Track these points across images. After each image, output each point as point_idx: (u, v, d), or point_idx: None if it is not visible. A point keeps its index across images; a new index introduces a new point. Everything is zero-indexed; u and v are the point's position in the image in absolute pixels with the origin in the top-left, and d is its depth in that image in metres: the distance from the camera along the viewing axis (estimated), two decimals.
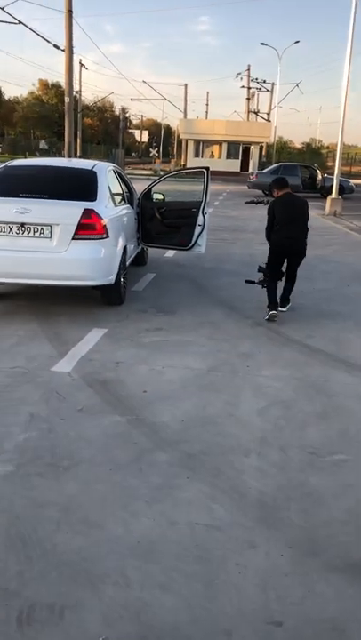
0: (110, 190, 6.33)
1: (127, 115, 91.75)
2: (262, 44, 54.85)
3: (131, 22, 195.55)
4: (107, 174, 6.44)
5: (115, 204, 6.39)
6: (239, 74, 55.75)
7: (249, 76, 57.99)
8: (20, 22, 24.39)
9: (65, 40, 24.93)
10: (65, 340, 5.20)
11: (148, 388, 4.21)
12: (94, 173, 6.19)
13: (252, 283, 6.61)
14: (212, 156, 46.82)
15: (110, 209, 6.07)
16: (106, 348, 5.05)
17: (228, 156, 45.19)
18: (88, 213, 5.57)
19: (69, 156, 25.76)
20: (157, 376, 4.45)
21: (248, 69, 58.12)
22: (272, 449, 3.41)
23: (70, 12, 24.21)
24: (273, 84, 57.08)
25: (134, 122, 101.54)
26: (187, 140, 48.06)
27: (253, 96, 60.23)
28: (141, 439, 3.46)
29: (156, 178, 7.96)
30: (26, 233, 5.53)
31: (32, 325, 5.57)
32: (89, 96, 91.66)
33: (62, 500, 2.81)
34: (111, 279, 5.93)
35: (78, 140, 46.81)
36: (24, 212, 5.47)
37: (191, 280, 8.02)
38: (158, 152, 58.44)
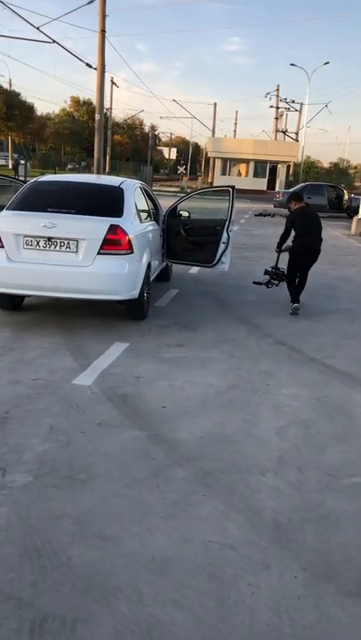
0: (136, 207, 6.42)
1: (156, 132, 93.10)
2: (292, 64, 55.09)
3: (162, 42, 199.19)
4: (133, 191, 6.53)
5: (140, 220, 6.48)
6: (268, 93, 56.24)
7: (278, 95, 58.36)
8: (54, 41, 24.99)
9: (97, 59, 25.47)
10: (87, 353, 5.26)
11: (167, 403, 4.22)
12: (121, 190, 6.29)
13: (259, 284, 7.90)
14: (239, 174, 47.02)
15: (136, 225, 6.15)
16: (127, 362, 5.09)
17: (256, 174, 45.32)
18: (114, 229, 5.65)
19: (98, 173, 26.16)
20: (177, 392, 4.46)
21: (277, 89, 58.52)
22: (289, 469, 3.39)
23: (103, 31, 24.76)
24: (302, 104, 57.33)
25: (163, 139, 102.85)
26: (214, 158, 48.40)
27: (282, 116, 60.56)
28: (159, 455, 3.47)
29: (183, 195, 8.05)
30: (52, 247, 5.64)
31: (56, 338, 5.64)
32: (119, 113, 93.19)
33: (78, 513, 2.83)
34: (135, 294, 5.99)
35: (107, 157, 47.52)
36: (51, 226, 5.58)
37: (214, 297, 8.04)
38: (186, 169, 58.88)
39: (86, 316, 6.47)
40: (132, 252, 5.81)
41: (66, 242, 5.63)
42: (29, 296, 6.37)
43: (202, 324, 6.51)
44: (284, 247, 7.85)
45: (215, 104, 60.86)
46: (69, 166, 65.21)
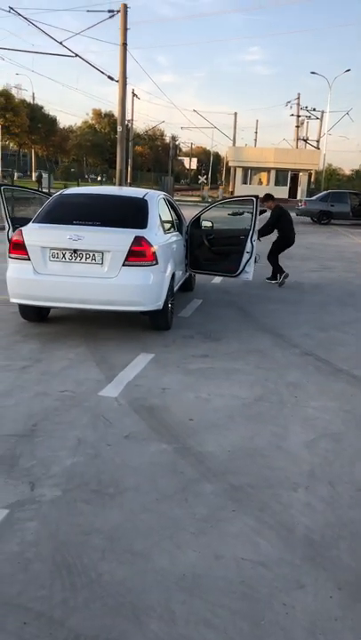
0: (160, 218, 6.43)
1: (177, 142, 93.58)
2: (313, 72, 54.96)
3: (183, 53, 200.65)
4: (157, 202, 6.54)
5: (164, 231, 6.48)
6: (289, 102, 56.37)
7: (298, 104, 58.31)
8: (76, 55, 25.38)
9: (119, 72, 25.79)
10: (112, 364, 5.25)
11: (194, 415, 4.19)
12: (145, 201, 6.31)
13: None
14: (260, 182, 46.98)
15: (160, 236, 6.16)
16: (152, 373, 5.07)
17: (277, 183, 45.18)
18: (138, 240, 5.66)
19: (120, 184, 26.36)
20: (204, 404, 4.42)
21: (298, 98, 58.47)
22: (321, 484, 3.32)
23: (125, 44, 25.05)
24: (323, 111, 57.15)
25: (184, 149, 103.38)
26: (235, 168, 48.46)
27: (303, 124, 60.47)
28: (187, 469, 3.43)
29: (206, 205, 8.04)
30: (78, 259, 5.67)
31: (81, 349, 5.65)
32: (140, 125, 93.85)
33: (108, 529, 2.80)
34: (159, 305, 5.99)
35: (129, 168, 47.89)
36: (77, 238, 5.61)
37: (238, 307, 7.99)
38: (207, 179, 59.05)
39: (110, 326, 6.48)
40: (156, 263, 5.80)
41: (91, 254, 5.65)
42: (55, 308, 6.41)
43: (226, 334, 6.46)
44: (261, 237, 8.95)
45: (235, 113, 61.14)
46: (92, 178, 65.85)
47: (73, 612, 2.26)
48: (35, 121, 66.50)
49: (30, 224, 6.06)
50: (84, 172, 66.44)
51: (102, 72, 26.06)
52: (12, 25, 78.99)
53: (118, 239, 5.67)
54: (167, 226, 6.78)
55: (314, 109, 57.62)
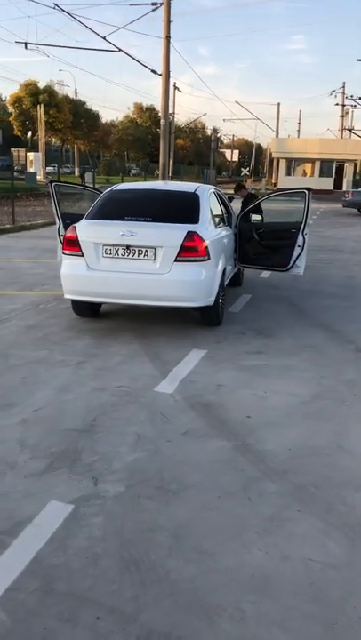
0: (211, 212, 6.40)
1: (218, 135, 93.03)
2: (359, 60, 53.66)
3: (224, 44, 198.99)
4: (208, 197, 6.52)
5: (215, 225, 6.45)
6: (333, 91, 55.13)
7: (344, 93, 57.01)
8: (120, 50, 25.47)
9: (162, 65, 25.76)
10: (166, 360, 5.27)
11: (251, 413, 4.16)
12: (197, 196, 6.28)
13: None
14: (304, 174, 46.25)
15: (211, 231, 6.13)
16: (206, 369, 5.06)
17: (321, 174, 44.43)
18: (191, 236, 5.65)
19: (163, 177, 26.39)
20: (260, 401, 4.39)
21: (343, 86, 57.22)
22: None
23: (168, 37, 25.01)
24: None
25: (225, 142, 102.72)
26: (278, 159, 47.84)
27: (347, 113, 59.17)
28: (248, 467, 3.41)
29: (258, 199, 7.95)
30: (131, 255, 5.70)
31: (134, 345, 5.69)
32: (182, 118, 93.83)
33: (172, 526, 2.81)
34: (211, 300, 5.97)
35: (170, 161, 47.99)
36: (130, 234, 5.64)
37: (288, 302, 7.90)
38: (250, 171, 58.51)
39: (160, 322, 6.50)
40: (208, 259, 5.78)
41: (144, 250, 5.67)
42: (108, 303, 6.47)
43: (278, 330, 6.39)
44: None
45: (278, 104, 60.29)
46: (133, 172, 66.16)
47: (144, 608, 2.28)
48: (77, 116, 67.32)
49: (83, 220, 6.12)
50: (125, 167, 66.74)
51: (145, 66, 26.09)
52: (56, 22, 79.87)
53: (170, 235, 5.67)
54: (218, 220, 6.74)
55: (360, 98, 56.33)
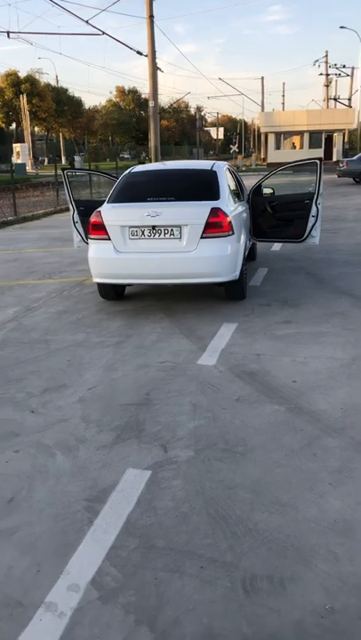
0: (229, 188, 6.49)
1: (202, 113, 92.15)
2: (342, 27, 53.15)
3: (200, 20, 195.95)
4: (225, 173, 6.60)
5: (234, 201, 6.54)
6: (317, 61, 54.87)
7: (327, 62, 56.65)
8: (103, 33, 25.20)
9: (147, 46, 25.53)
10: (200, 335, 5.40)
11: (296, 378, 4.31)
12: (214, 173, 6.37)
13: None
14: (293, 147, 46.03)
15: (232, 206, 6.23)
16: (242, 341, 5.20)
17: (311, 145, 44.20)
18: (215, 212, 5.74)
19: (156, 159, 26.28)
20: (302, 367, 4.54)
21: (326, 55, 56.81)
22: None
23: (152, 17, 24.75)
24: (353, 67, 55.39)
25: (209, 120, 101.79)
26: (266, 134, 47.54)
27: (331, 83, 58.73)
28: (306, 426, 3.56)
29: (266, 173, 8.02)
30: (157, 235, 5.80)
31: (165, 323, 5.82)
32: (164, 98, 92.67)
33: (249, 483, 2.97)
34: (236, 275, 6.09)
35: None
36: (155, 215, 5.73)
37: (306, 272, 8.02)
38: (239, 148, 58.18)
39: (186, 300, 6.62)
40: (232, 234, 5.89)
41: (170, 229, 5.77)
42: (137, 284, 6.58)
43: (302, 299, 6.53)
44: None
45: (262, 78, 59.84)
46: (126, 156, 65.52)
47: (242, 557, 2.44)
48: (60, 104, 66.57)
49: (105, 205, 6.20)
50: (113, 152, 66.16)
51: (131, 48, 25.94)
52: (36, 8, 78.00)
53: (195, 212, 5.77)
54: (235, 195, 6.83)
55: (343, 66, 55.93)
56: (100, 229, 5.91)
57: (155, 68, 25.80)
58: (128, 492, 2.93)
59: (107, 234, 5.87)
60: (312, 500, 2.82)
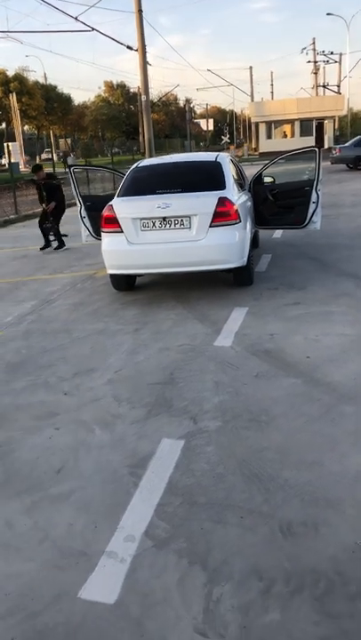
0: (234, 178, 6.74)
1: (192, 105, 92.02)
2: (329, 14, 53.22)
3: (185, 12, 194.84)
4: (228, 163, 6.85)
5: (238, 190, 6.79)
6: (304, 48, 54.99)
7: (315, 49, 56.67)
8: (93, 29, 25.32)
9: (137, 40, 25.63)
10: (213, 319, 5.67)
11: (309, 354, 4.58)
12: (219, 164, 6.62)
13: None
14: (284, 135, 46.21)
15: (237, 195, 6.48)
16: (254, 323, 5.47)
17: (302, 134, 44.37)
18: (222, 201, 6.00)
19: (150, 153, 26.44)
20: (315, 344, 4.81)
21: (313, 43, 56.87)
22: None
23: (140, 11, 24.83)
24: (341, 54, 55.46)
25: (198, 111, 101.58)
26: (257, 123, 47.67)
27: (319, 70, 58.77)
28: (323, 396, 3.84)
29: (266, 162, 8.26)
30: (167, 226, 6.05)
31: (179, 309, 6.09)
32: (153, 92, 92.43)
33: (275, 446, 3.25)
34: (244, 261, 6.35)
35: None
36: (165, 206, 5.98)
37: (308, 257, 8.28)
38: (231, 139, 58.28)
39: (196, 288, 6.87)
40: (240, 221, 6.15)
41: (180, 219, 6.03)
42: (149, 274, 6.84)
43: (308, 283, 6.79)
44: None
45: (251, 67, 59.94)
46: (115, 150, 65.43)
47: (277, 508, 2.72)
48: (50, 101, 66.45)
49: (116, 199, 6.45)
50: (105, 147, 66.10)
51: (121, 43, 25.95)
52: (25, 7, 78.00)
53: (204, 202, 6.02)
54: (238, 185, 7.07)
55: (331, 53, 56.00)
56: (112, 222, 6.16)
57: (145, 62, 25.93)
58: (166, 458, 3.21)
59: (119, 226, 6.12)
60: (335, 458, 3.09)
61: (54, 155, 44.15)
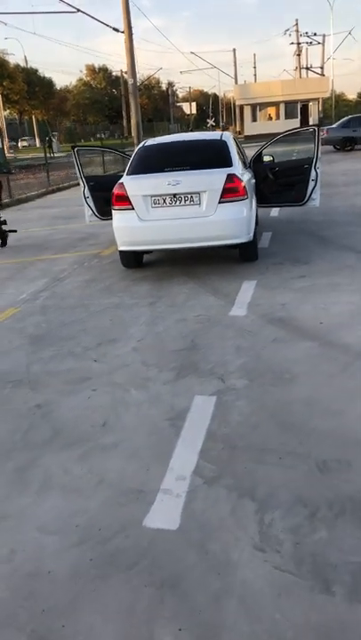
0: (238, 155, 6.95)
1: (174, 88, 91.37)
2: None
3: None
4: (232, 142, 7.05)
5: (243, 167, 7.00)
6: (287, 30, 54.83)
7: (298, 30, 56.52)
8: (78, 10, 25.11)
9: (123, 22, 25.47)
10: (225, 292, 5.91)
11: (322, 320, 4.85)
12: (225, 142, 6.82)
13: None
14: (269, 118, 46.30)
15: (243, 172, 6.70)
16: (265, 295, 5.72)
17: (287, 116, 44.52)
18: (231, 178, 6.22)
19: (138, 136, 26.42)
20: (324, 311, 5.08)
21: (296, 24, 56.70)
22: None
23: None
24: (324, 35, 55.42)
25: (180, 95, 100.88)
26: (242, 106, 47.65)
27: (302, 51, 58.69)
28: (339, 356, 4.11)
29: (265, 142, 8.48)
30: (177, 202, 6.26)
31: (190, 284, 6.32)
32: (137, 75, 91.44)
33: (301, 399, 3.52)
34: (251, 236, 6.59)
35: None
36: (175, 183, 6.18)
37: (308, 233, 8.54)
38: (216, 122, 58.15)
39: (204, 264, 7.10)
40: (247, 197, 6.37)
41: (190, 196, 6.23)
42: (149, 252, 7.05)
43: (311, 257, 7.05)
44: None
45: (234, 50, 59.66)
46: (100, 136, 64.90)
47: (311, 449, 2.99)
48: (32, 85, 65.59)
49: (125, 177, 6.63)
50: (88, 132, 65.50)
51: (107, 24, 25.76)
52: None
53: (213, 179, 6.23)
54: (242, 162, 7.28)
55: (315, 34, 55.92)
56: (123, 200, 6.34)
57: (132, 45, 25.80)
58: (201, 411, 3.46)
59: (130, 204, 6.32)
60: (358, 407, 3.37)
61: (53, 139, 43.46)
